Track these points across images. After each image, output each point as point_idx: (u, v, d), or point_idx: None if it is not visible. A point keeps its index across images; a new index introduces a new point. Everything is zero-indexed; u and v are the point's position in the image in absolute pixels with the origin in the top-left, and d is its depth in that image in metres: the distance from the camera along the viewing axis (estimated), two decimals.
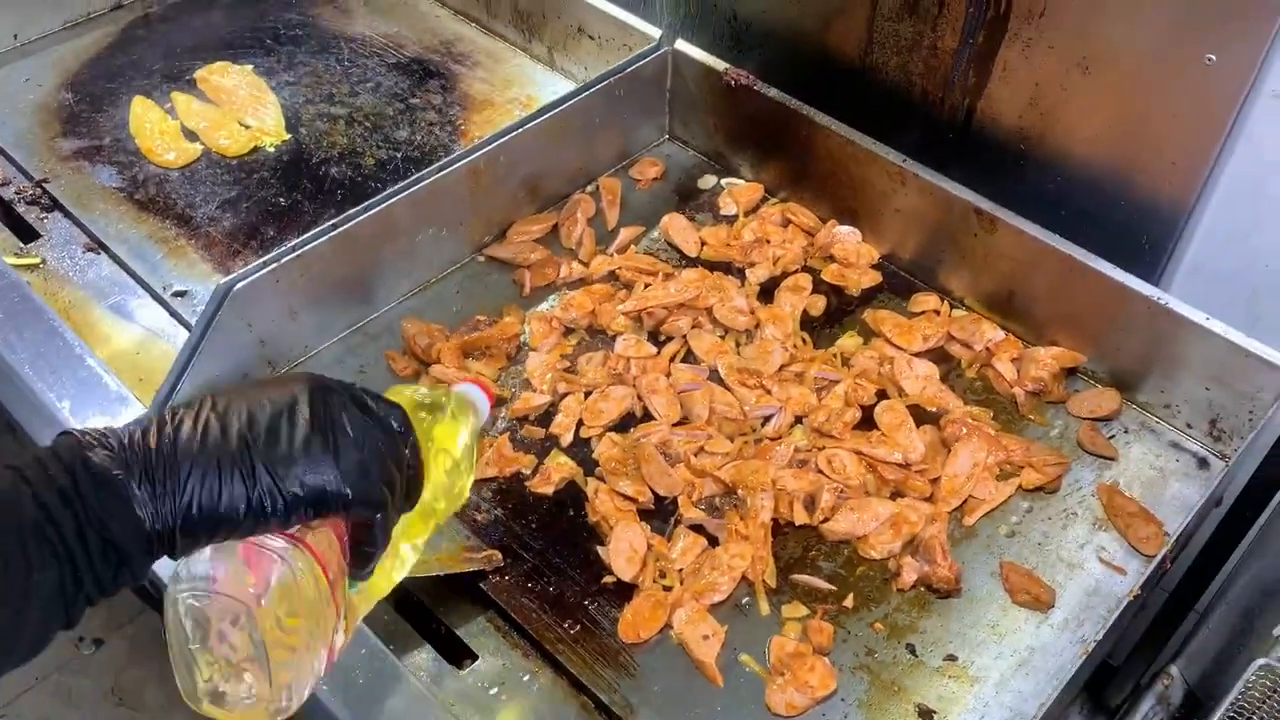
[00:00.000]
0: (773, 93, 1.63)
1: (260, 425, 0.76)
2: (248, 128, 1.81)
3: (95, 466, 0.72)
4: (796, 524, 1.29)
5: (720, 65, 1.67)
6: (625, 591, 1.23)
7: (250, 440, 0.75)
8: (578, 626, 1.20)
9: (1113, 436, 1.40)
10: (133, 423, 0.77)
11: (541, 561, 1.26)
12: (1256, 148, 1.30)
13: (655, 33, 1.72)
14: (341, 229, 1.41)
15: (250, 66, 1.94)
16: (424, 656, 1.18)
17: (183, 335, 1.49)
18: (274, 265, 1.35)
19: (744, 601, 1.23)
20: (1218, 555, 1.46)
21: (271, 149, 1.79)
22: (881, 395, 1.43)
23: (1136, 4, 1.29)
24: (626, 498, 1.30)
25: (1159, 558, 1.20)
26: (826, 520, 1.28)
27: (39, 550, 0.68)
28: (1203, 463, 1.37)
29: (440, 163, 1.50)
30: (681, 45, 1.71)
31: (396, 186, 1.46)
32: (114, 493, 0.71)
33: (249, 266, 1.34)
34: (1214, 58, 1.25)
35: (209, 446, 0.74)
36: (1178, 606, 1.54)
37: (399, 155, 1.78)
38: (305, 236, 1.39)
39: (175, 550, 0.75)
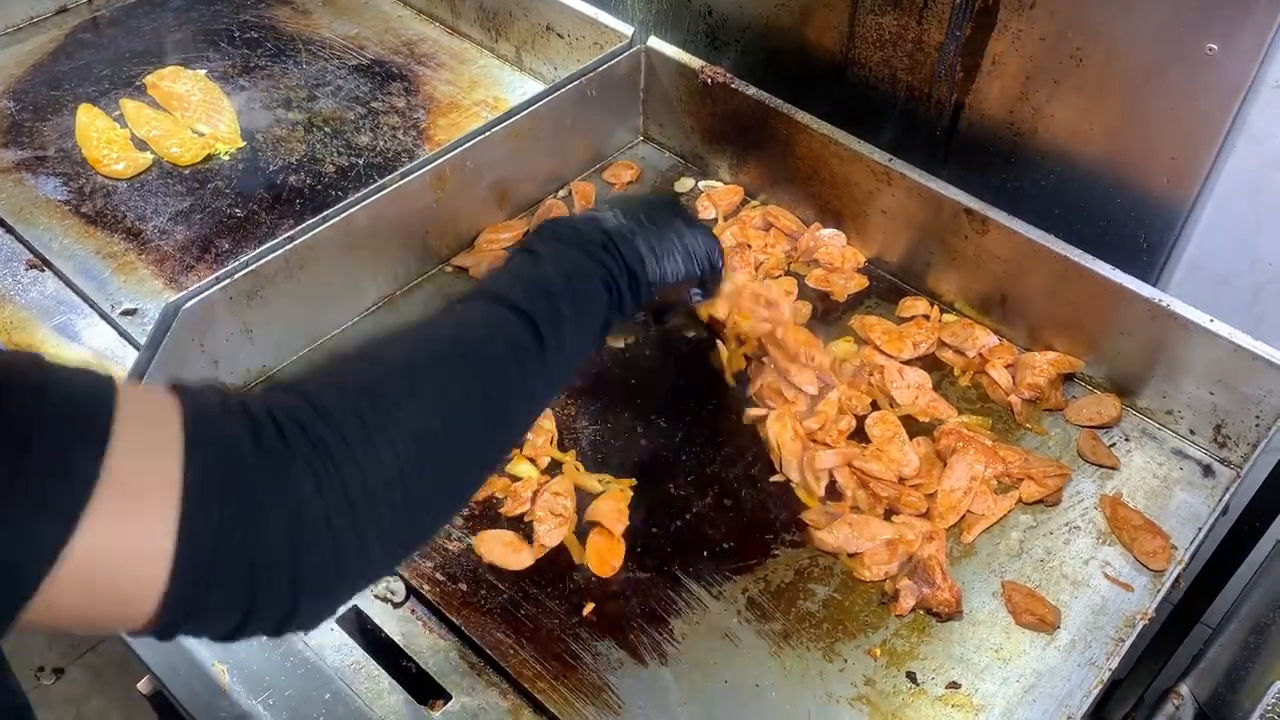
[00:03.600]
0: (751, 91, 1.56)
1: (679, 225, 1.12)
2: (201, 135, 1.72)
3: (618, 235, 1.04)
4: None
5: (696, 63, 1.60)
6: (607, 622, 1.16)
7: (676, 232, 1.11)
8: (557, 661, 1.13)
9: (1113, 445, 1.34)
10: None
11: (517, 592, 1.19)
12: (1259, 142, 1.25)
13: (627, 30, 1.65)
14: (299, 240, 1.33)
15: (204, 71, 1.85)
16: (394, 699, 1.10)
17: (132, 356, 1.40)
18: (226, 282, 1.27)
19: (732, 627, 1.17)
20: (1222, 565, 1.40)
21: (226, 157, 1.71)
22: (872, 405, 1.36)
23: None
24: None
25: (1171, 578, 1.15)
26: (818, 529, 1.22)
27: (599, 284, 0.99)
28: (1207, 470, 1.32)
29: (404, 169, 1.43)
30: (655, 43, 1.64)
31: (358, 195, 1.38)
32: (633, 249, 1.04)
33: (199, 284, 1.26)
34: (1215, 47, 1.19)
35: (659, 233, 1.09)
36: (1181, 618, 1.49)
37: (361, 161, 1.70)
38: (259, 250, 1.31)
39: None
